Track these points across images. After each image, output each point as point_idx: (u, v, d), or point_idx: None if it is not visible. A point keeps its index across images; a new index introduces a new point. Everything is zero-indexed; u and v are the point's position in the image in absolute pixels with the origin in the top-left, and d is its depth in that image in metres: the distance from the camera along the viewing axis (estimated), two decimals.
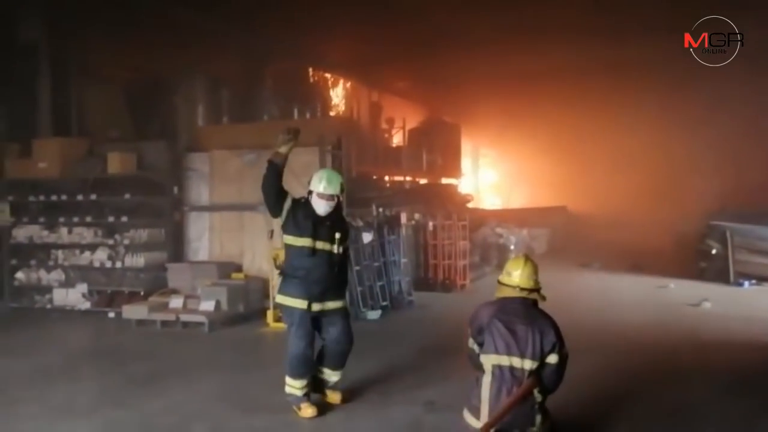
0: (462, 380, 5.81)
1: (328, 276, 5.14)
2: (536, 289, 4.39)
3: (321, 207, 5.13)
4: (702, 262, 12.54)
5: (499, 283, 4.48)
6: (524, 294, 4.34)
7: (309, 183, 5.20)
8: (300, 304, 5.07)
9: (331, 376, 5.35)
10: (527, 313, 4.28)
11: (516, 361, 4.14)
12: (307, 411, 5.09)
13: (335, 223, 5.21)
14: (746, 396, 5.61)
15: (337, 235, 5.14)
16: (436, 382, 6.02)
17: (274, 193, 5.09)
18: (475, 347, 4.40)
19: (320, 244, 5.08)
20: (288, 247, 5.20)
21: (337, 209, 5.24)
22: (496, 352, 4.19)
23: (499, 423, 4.09)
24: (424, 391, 5.73)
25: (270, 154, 5.13)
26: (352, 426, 5.03)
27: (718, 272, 11.97)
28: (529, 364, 4.13)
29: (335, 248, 5.14)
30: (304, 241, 5.06)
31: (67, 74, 11.24)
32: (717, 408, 5.31)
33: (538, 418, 4.16)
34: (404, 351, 7.32)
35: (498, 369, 4.17)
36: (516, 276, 4.38)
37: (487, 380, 4.21)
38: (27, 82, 10.74)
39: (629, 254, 15.61)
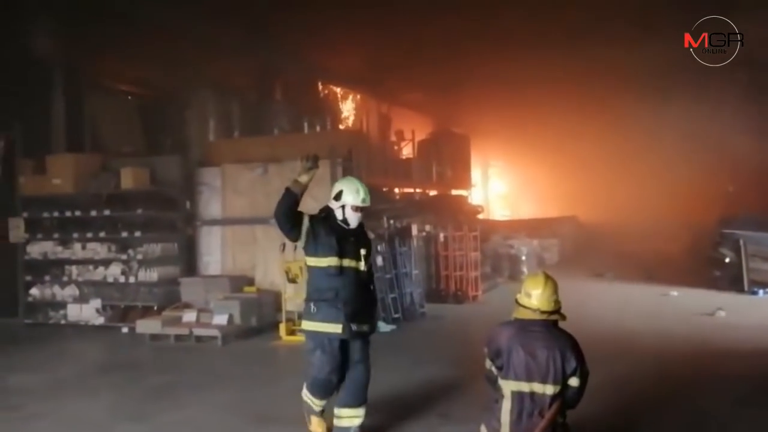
0: (476, 392, 5.81)
1: (357, 295, 4.73)
2: (557, 311, 4.16)
3: (354, 219, 4.77)
4: (716, 270, 12.47)
5: (517, 303, 4.20)
6: (544, 317, 4.10)
7: (338, 194, 4.75)
8: (333, 328, 4.63)
9: (353, 418, 4.79)
10: (548, 335, 4.07)
11: (537, 387, 3.99)
12: (317, 429, 4.88)
13: (359, 237, 4.83)
14: (765, 404, 5.57)
15: (363, 251, 4.78)
16: (450, 393, 6.01)
17: (289, 220, 4.64)
18: (493, 369, 4.22)
19: (347, 262, 4.69)
20: (311, 270, 4.80)
21: (359, 224, 4.90)
22: (516, 378, 4.02)
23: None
24: (438, 402, 5.73)
25: (289, 182, 4.70)
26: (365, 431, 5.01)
27: (732, 281, 11.91)
28: (551, 389, 3.98)
29: (362, 265, 4.76)
30: (330, 260, 4.64)
31: (80, 90, 11.39)
32: (736, 418, 5.27)
33: None
34: (417, 363, 7.31)
35: (518, 394, 4.02)
36: (535, 298, 4.11)
37: (507, 405, 4.04)
38: (40, 98, 10.87)
39: (642, 263, 15.54)
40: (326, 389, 4.79)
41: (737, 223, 12.69)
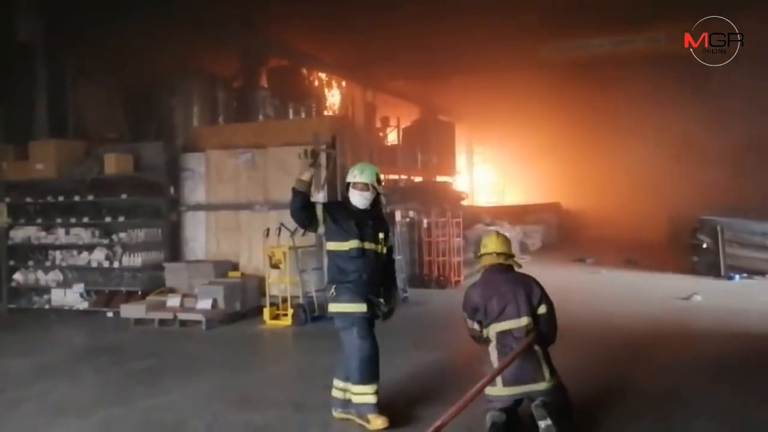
0: (455, 375, 5.95)
1: (377, 277, 4.90)
2: (510, 255, 4.83)
3: (357, 198, 4.90)
4: (694, 256, 12.67)
5: (478, 257, 4.93)
6: (501, 259, 4.76)
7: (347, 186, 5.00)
8: (359, 308, 4.78)
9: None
10: (507, 278, 4.71)
11: (513, 323, 4.54)
12: (377, 422, 4.73)
13: (377, 222, 4.97)
14: (736, 385, 5.74)
15: (381, 235, 4.92)
16: (431, 375, 6.13)
17: (305, 216, 4.85)
18: (476, 325, 4.73)
19: (368, 244, 4.83)
20: (333, 255, 4.92)
21: (377, 208, 5.07)
22: (496, 320, 4.58)
23: (503, 373, 4.39)
24: (419, 385, 5.84)
25: (294, 182, 4.86)
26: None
27: (710, 266, 12.11)
28: (525, 321, 4.52)
29: (380, 248, 4.90)
30: (352, 243, 4.77)
31: (64, 75, 11.31)
32: (708, 396, 5.43)
33: (546, 372, 4.44)
34: (399, 347, 7.38)
35: (501, 334, 4.55)
36: (490, 244, 4.83)
37: (493, 347, 4.57)
38: (24, 83, 10.80)
39: (623, 249, 15.76)
40: (375, 366, 4.84)
41: (715, 209, 12.90)
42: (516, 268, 4.84)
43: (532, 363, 4.43)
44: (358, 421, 4.83)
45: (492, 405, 4.46)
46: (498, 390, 4.42)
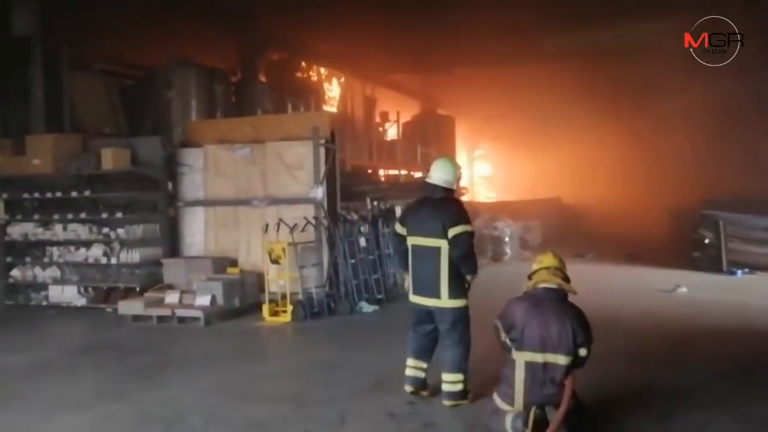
0: None
1: None
2: (566, 277, 4.51)
3: None
4: (695, 251, 12.59)
5: (529, 277, 4.59)
6: (557, 278, 4.44)
7: (458, 179, 5.45)
8: None
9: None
10: (559, 308, 4.37)
11: (549, 357, 4.27)
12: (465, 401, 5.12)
13: None
14: (739, 380, 5.71)
15: None
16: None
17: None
18: (507, 340, 4.48)
19: None
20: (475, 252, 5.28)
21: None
22: (531, 349, 4.30)
23: (525, 396, 4.29)
24: None
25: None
26: (348, 409, 5.06)
27: (712, 261, 12.03)
28: (562, 360, 4.26)
29: None
30: None
31: (60, 68, 11.20)
32: (706, 390, 5.41)
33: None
34: (398, 342, 7.31)
35: (531, 365, 4.30)
36: (544, 261, 4.57)
37: (520, 374, 4.33)
38: (19, 77, 10.71)
39: (624, 245, 15.70)
40: None
41: (717, 204, 12.82)
42: (570, 297, 4.50)
43: (557, 389, 4.24)
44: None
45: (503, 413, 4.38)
46: (517, 410, 4.33)
